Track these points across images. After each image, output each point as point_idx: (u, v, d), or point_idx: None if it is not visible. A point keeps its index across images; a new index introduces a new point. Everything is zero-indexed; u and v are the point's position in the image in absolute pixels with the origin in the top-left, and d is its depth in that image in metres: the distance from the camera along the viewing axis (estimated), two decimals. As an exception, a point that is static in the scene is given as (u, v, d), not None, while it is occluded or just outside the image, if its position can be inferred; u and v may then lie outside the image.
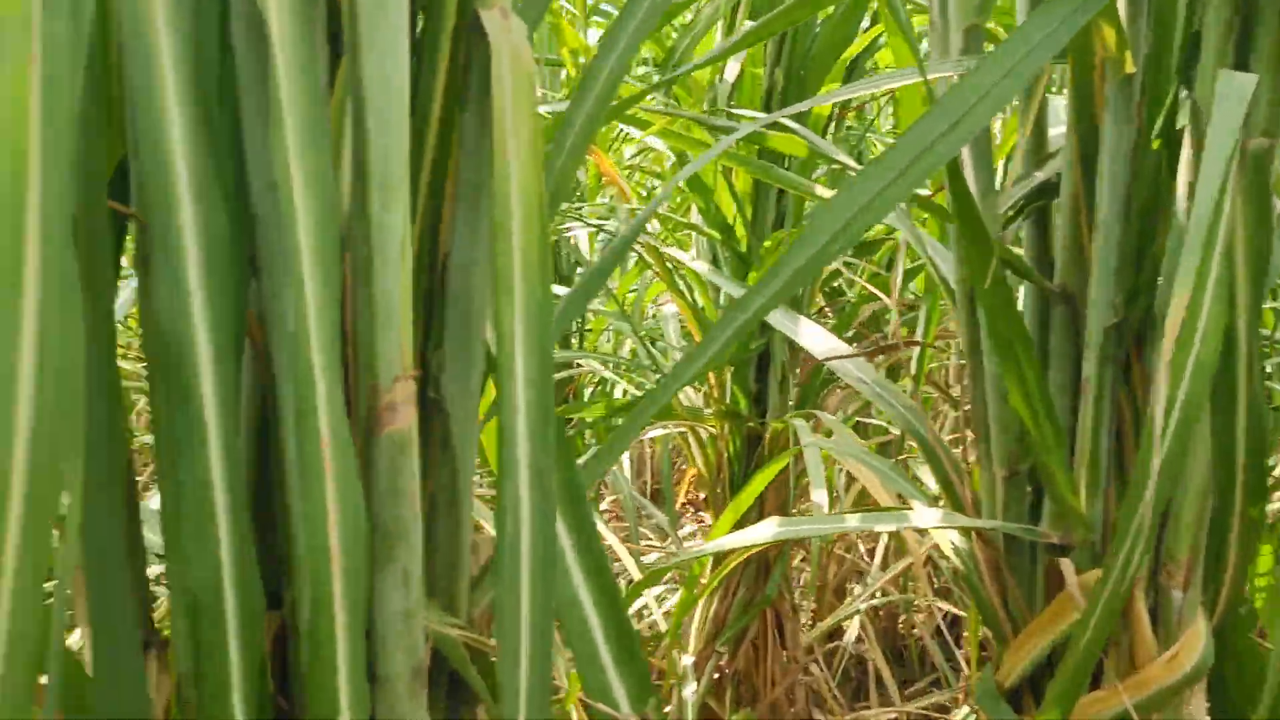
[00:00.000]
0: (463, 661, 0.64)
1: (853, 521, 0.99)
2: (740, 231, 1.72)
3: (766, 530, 1.03)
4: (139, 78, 0.51)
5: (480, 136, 0.63)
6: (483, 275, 0.65)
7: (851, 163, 1.00)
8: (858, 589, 2.57)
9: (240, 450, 0.53)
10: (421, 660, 0.59)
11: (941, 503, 1.19)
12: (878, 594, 2.28)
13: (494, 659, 0.68)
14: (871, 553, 2.42)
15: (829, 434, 1.63)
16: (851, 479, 2.32)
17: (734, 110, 1.56)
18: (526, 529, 0.57)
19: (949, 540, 1.00)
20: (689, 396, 1.92)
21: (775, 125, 1.03)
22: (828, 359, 1.08)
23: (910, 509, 1.00)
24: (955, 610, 2.25)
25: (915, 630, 2.45)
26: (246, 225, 0.55)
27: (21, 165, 0.43)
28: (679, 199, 2.21)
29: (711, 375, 1.86)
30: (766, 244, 1.67)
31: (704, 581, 1.45)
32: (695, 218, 1.88)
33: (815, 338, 1.10)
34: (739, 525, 1.24)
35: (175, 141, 0.51)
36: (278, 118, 0.51)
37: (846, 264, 1.97)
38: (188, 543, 0.51)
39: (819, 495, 1.44)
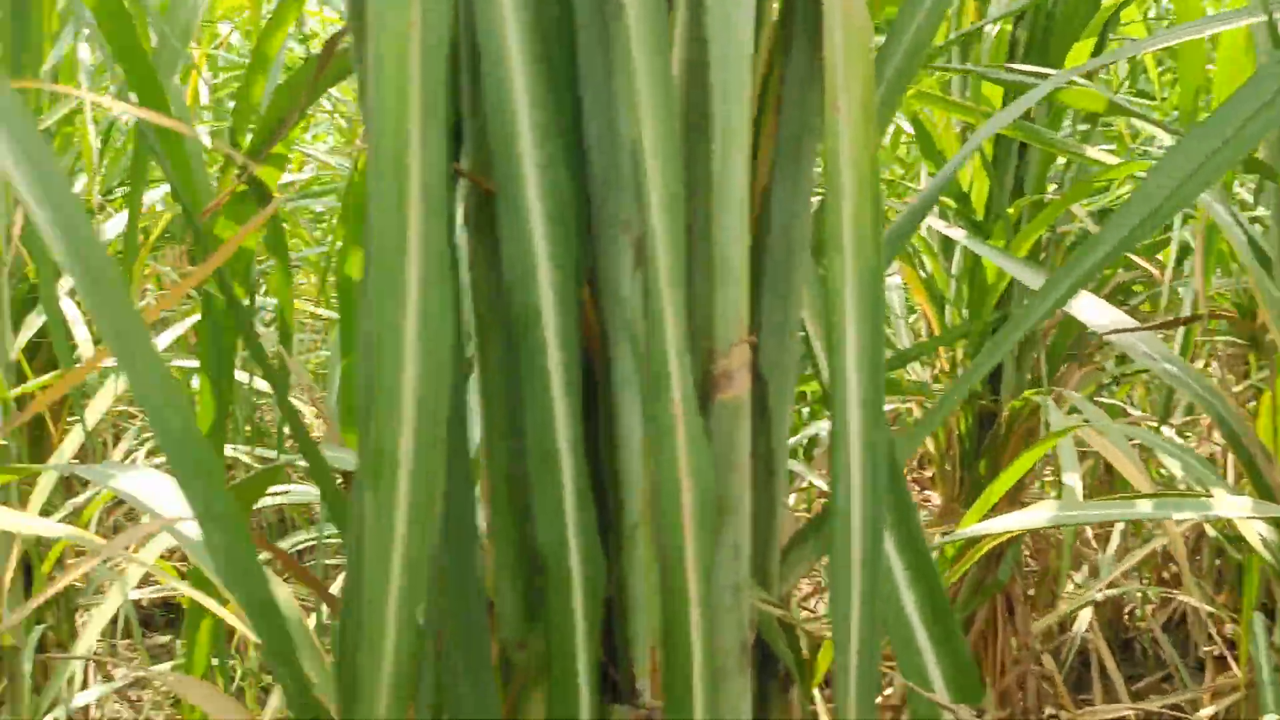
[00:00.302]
0: (777, 638, 0.62)
1: (1144, 508, 0.92)
2: (979, 198, 1.64)
3: (1042, 514, 0.97)
4: (486, 37, 0.50)
5: (805, 87, 0.60)
6: (801, 234, 0.62)
7: (1157, 118, 0.92)
8: (1077, 577, 2.44)
9: (580, 416, 0.52)
10: (747, 636, 0.57)
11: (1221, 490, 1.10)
12: (1104, 584, 2.15)
13: (799, 636, 0.66)
14: (1098, 539, 2.29)
15: (1070, 414, 1.53)
16: (1081, 460, 2.19)
17: (979, 68, 1.48)
18: (858, 502, 0.54)
19: (1255, 531, 0.91)
20: (915, 371, 1.85)
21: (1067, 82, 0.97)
22: (1110, 333, 1.01)
23: (1209, 495, 0.92)
24: (1191, 601, 2.10)
25: (1144, 623, 2.31)
26: (584, 181, 0.53)
27: (404, 130, 0.43)
28: (903, 168, 2.13)
29: (941, 350, 1.79)
30: (1010, 210, 1.59)
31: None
32: (924, 184, 1.81)
33: (1094, 310, 1.03)
34: (969, 505, 1.18)
35: (520, 101, 0.50)
36: (625, 69, 0.49)
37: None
38: (537, 507, 0.50)
39: (1071, 478, 1.36)
